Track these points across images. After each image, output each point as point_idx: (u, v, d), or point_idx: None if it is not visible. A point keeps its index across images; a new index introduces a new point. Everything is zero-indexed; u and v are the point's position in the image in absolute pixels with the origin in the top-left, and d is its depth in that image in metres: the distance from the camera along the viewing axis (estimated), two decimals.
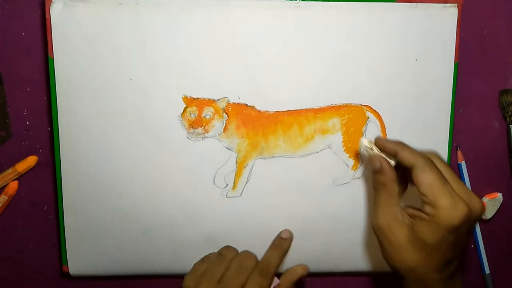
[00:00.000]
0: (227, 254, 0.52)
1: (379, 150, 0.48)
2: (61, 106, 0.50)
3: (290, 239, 0.54)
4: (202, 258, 0.53)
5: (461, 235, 0.43)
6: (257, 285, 0.49)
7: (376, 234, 0.46)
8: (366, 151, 0.48)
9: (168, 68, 0.50)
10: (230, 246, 0.54)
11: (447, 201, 0.42)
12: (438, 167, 0.44)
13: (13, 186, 0.54)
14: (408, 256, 0.44)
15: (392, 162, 0.47)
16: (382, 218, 0.45)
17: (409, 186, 0.48)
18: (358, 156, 0.53)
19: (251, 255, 0.52)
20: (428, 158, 0.44)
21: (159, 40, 0.50)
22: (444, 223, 0.42)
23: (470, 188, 0.57)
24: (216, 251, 0.54)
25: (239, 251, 0.53)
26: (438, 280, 0.44)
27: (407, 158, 0.45)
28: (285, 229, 0.54)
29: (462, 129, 0.57)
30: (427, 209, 0.43)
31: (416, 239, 0.43)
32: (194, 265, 0.53)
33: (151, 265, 0.54)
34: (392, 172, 0.46)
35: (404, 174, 0.48)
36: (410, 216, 0.44)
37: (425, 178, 0.43)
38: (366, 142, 0.48)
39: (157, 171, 0.52)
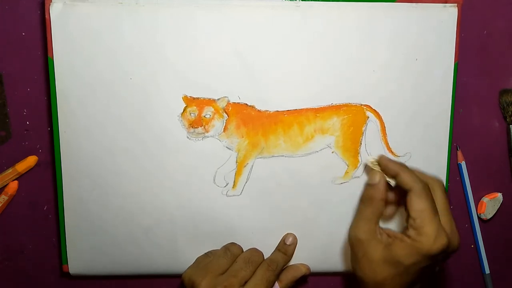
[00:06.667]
0: (233, 249, 0.52)
1: (379, 169, 0.49)
2: (61, 106, 0.50)
3: (294, 245, 0.54)
4: (205, 253, 0.53)
5: (433, 262, 0.46)
6: (265, 279, 0.50)
7: (350, 245, 0.48)
8: (369, 166, 0.50)
9: (168, 68, 0.50)
10: (236, 243, 0.54)
11: (433, 230, 0.44)
12: (436, 195, 0.47)
13: (13, 186, 0.54)
14: (379, 271, 0.46)
15: (393, 182, 0.49)
16: (361, 231, 0.47)
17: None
18: (357, 156, 0.53)
19: (259, 251, 0.53)
20: (426, 184, 0.46)
21: (159, 40, 0.50)
22: (423, 249, 0.44)
23: (470, 188, 0.58)
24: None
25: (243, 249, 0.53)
26: None
27: (406, 180, 0.47)
28: (289, 234, 0.54)
29: (462, 129, 0.57)
30: (412, 232, 0.45)
31: (391, 258, 0.45)
32: (197, 258, 0.53)
33: (152, 264, 0.54)
34: (384, 191, 0.48)
35: (400, 198, 0.50)
36: (388, 236, 0.47)
37: (418, 203, 0.45)
38: (371, 159, 0.51)
39: (157, 171, 0.52)
